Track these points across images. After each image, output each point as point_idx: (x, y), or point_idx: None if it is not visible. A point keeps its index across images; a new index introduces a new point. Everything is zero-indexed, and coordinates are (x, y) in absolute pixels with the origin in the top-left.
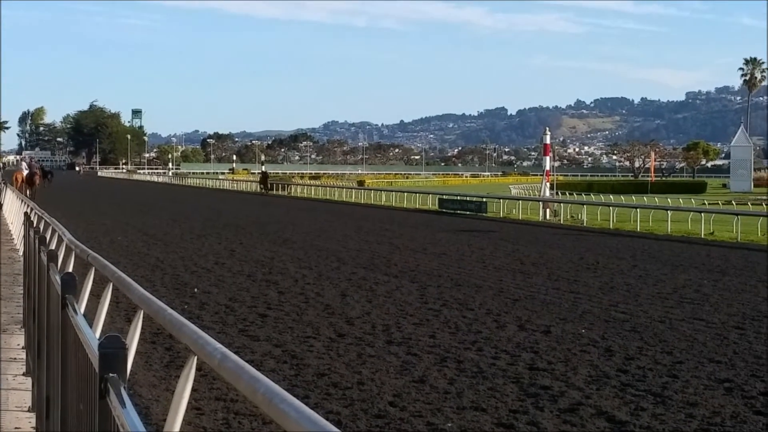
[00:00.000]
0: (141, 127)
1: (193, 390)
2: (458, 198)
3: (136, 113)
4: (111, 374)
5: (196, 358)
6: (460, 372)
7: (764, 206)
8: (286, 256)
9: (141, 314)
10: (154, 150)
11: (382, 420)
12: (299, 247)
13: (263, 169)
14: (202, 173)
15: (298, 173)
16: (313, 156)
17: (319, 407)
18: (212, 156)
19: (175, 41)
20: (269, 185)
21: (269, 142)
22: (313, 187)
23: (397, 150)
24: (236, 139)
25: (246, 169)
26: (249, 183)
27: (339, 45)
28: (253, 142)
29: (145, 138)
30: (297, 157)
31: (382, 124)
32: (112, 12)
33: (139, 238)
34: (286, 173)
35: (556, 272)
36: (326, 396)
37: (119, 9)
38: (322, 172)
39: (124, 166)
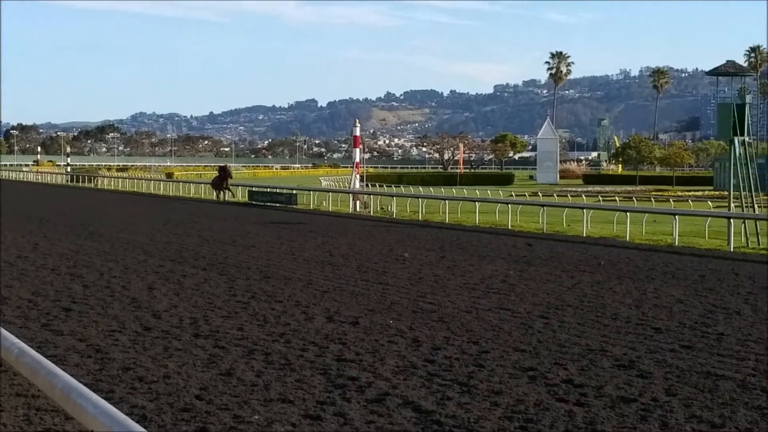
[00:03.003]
0: None
1: None
2: (268, 190)
3: None
4: None
5: None
6: (268, 364)
7: (569, 198)
8: (92, 249)
9: None
10: None
11: (188, 413)
12: (105, 240)
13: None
14: (5, 165)
15: (105, 165)
16: (120, 148)
17: (123, 401)
18: (16, 148)
19: None
20: (227, 187)
21: (75, 134)
22: (120, 180)
23: (206, 142)
24: (41, 131)
25: (51, 161)
26: (54, 175)
27: (147, 34)
28: (59, 133)
29: None
30: (104, 149)
31: (192, 116)
32: None
33: None
34: (92, 165)
35: (365, 264)
36: (132, 390)
37: None
38: (129, 164)
39: None
